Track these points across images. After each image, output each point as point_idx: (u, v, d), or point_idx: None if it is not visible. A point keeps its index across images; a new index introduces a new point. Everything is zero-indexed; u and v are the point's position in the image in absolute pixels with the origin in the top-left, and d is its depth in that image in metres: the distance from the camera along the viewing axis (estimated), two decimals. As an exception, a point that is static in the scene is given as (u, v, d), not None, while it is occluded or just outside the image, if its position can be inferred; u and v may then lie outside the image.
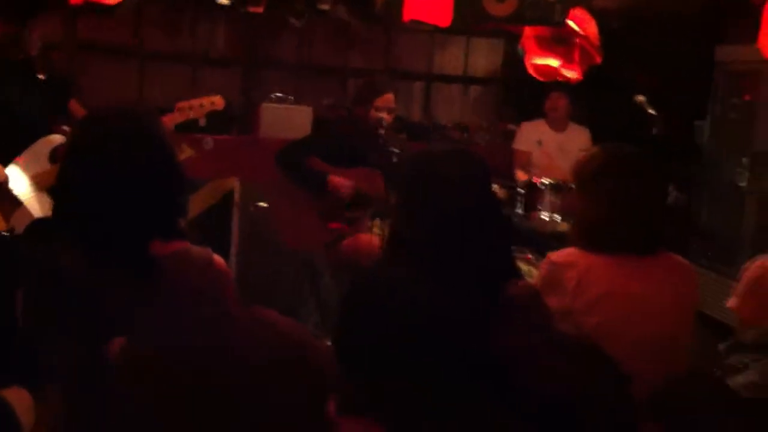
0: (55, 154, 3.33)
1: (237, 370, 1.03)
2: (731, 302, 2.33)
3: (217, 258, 1.91)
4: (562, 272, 2.33)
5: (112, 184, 1.76)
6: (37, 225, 3.27)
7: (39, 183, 3.28)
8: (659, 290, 2.31)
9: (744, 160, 5.18)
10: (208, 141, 4.89)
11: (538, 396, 1.30)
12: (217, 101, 3.68)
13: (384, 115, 4.07)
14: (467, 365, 1.46)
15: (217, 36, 5.92)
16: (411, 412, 1.87)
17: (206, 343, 1.07)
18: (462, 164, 2.01)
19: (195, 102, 3.61)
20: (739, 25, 4.89)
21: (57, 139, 3.34)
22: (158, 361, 1.06)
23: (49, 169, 3.27)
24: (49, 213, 3.18)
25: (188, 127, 3.82)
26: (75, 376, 1.71)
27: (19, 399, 1.75)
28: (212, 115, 5.25)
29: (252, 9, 5.43)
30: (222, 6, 5.23)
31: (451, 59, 6.62)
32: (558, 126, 5.48)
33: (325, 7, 5.53)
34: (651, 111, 3.93)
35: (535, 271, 2.93)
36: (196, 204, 4.63)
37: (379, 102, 4.10)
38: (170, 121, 3.44)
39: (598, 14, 5.54)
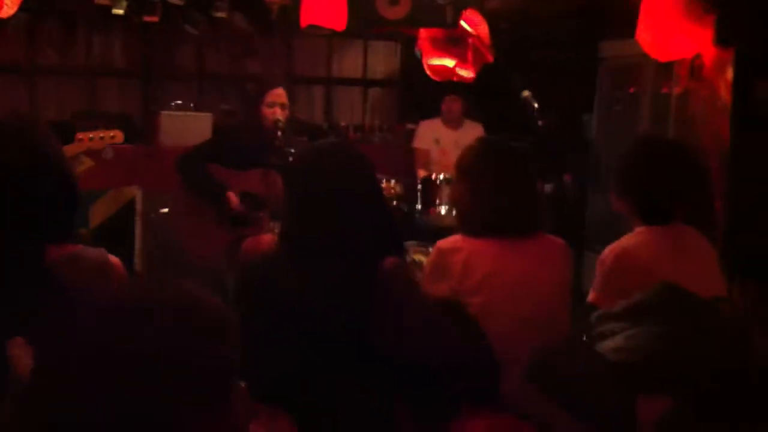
0: None
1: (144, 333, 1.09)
2: (591, 297, 2.49)
3: (113, 258, 1.96)
4: (449, 257, 2.47)
5: (6, 190, 1.80)
6: None
7: None
8: (538, 269, 2.47)
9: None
10: (108, 151, 4.85)
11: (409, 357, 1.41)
12: (117, 135, 3.71)
13: (277, 111, 4.08)
14: (348, 342, 1.56)
15: (114, 48, 5.87)
16: (308, 397, 1.98)
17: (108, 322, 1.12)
18: (338, 155, 2.14)
19: (95, 133, 3.62)
20: (618, 22, 5.15)
21: None
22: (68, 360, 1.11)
23: None
24: None
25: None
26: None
27: None
28: (113, 126, 5.26)
29: (147, 18, 5.42)
30: (117, 16, 5.21)
31: (349, 63, 6.75)
32: (453, 124, 5.69)
33: (222, 14, 5.55)
34: (535, 105, 4.13)
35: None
36: (98, 213, 4.61)
37: (269, 97, 4.12)
38: (69, 151, 3.42)
39: (488, 15, 5.75)
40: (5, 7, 4.27)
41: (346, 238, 2.07)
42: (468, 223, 2.51)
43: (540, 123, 4.13)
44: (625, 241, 2.52)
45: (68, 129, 4.08)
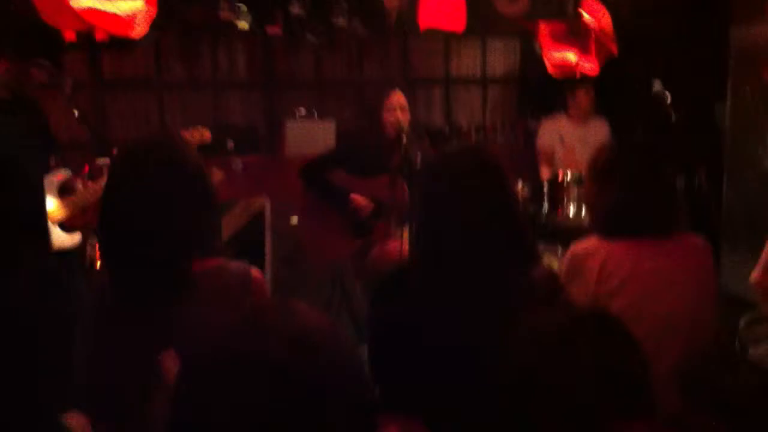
0: (63, 189, 3.39)
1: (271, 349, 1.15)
2: (753, 276, 2.38)
3: (255, 270, 2.00)
4: (584, 261, 2.41)
5: (152, 209, 1.87)
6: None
7: (51, 218, 3.35)
8: (678, 269, 2.37)
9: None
10: (237, 163, 5.03)
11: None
12: (206, 134, 3.81)
13: (398, 114, 4.10)
14: (486, 353, 1.53)
15: (237, 60, 6.04)
16: (442, 406, 1.96)
17: (242, 334, 1.19)
18: (472, 159, 2.10)
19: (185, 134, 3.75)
20: (748, 3, 4.89)
21: (61, 174, 3.38)
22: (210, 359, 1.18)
23: (59, 204, 3.32)
24: (62, 246, 3.29)
25: (217, 150, 3.93)
26: (133, 393, 1.82)
27: (78, 424, 1.86)
28: (239, 137, 5.42)
29: (271, 31, 5.57)
30: (241, 30, 5.37)
31: (467, 62, 6.69)
32: (579, 120, 5.51)
33: (342, 23, 5.64)
34: (668, 98, 3.96)
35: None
36: (229, 225, 4.75)
37: (389, 102, 4.15)
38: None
39: (610, 4, 5.58)
40: (137, 27, 4.47)
41: (480, 244, 2.03)
42: (604, 224, 2.44)
43: (673, 117, 3.97)
44: None
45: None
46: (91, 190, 3.39)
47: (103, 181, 3.45)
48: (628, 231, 2.39)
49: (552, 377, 1.39)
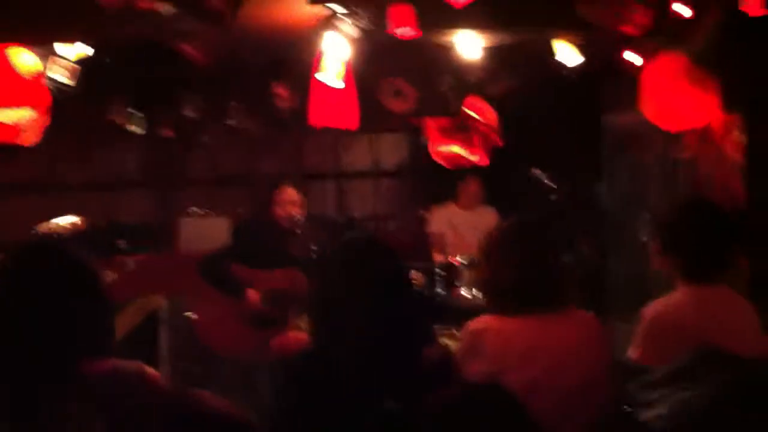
0: None
1: None
2: (631, 353, 2.50)
3: (150, 369, 1.97)
4: (481, 338, 2.47)
5: (40, 309, 1.83)
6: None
7: None
8: (572, 342, 2.46)
9: (644, 215, 5.49)
10: (128, 262, 4.92)
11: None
12: (78, 223, 3.80)
13: (291, 209, 4.16)
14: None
15: (129, 160, 6.00)
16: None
17: None
18: (367, 246, 2.17)
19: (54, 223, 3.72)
20: (621, 92, 5.24)
21: None
22: None
23: None
24: None
25: (110, 250, 3.87)
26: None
27: None
28: (132, 237, 5.33)
29: (165, 133, 5.58)
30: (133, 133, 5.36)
31: (359, 156, 6.86)
32: (468, 207, 5.75)
33: (235, 123, 5.71)
34: (546, 181, 4.18)
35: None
36: (122, 324, 4.62)
37: (281, 197, 4.21)
38: None
39: (491, 100, 5.87)
40: (26, 135, 4.41)
41: (377, 327, 2.08)
42: (498, 302, 2.52)
43: (553, 198, 4.18)
44: (667, 299, 2.54)
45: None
46: None
47: None
48: (522, 307, 2.47)
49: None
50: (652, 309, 2.52)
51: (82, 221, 3.79)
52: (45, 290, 1.85)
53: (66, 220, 3.77)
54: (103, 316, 1.97)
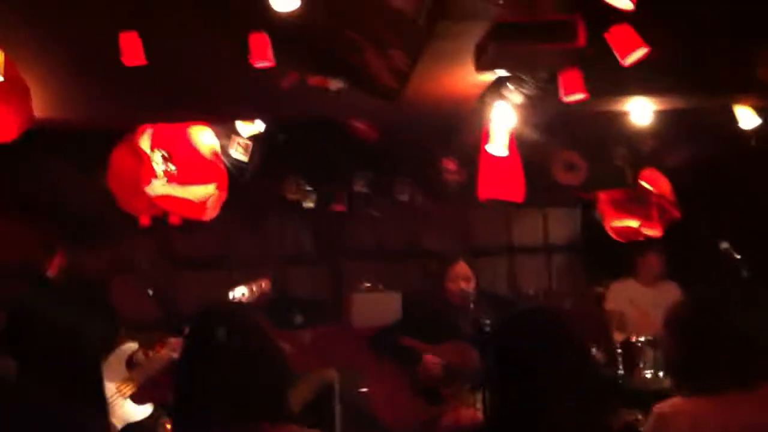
0: (130, 362, 3.46)
1: None
2: None
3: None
4: (671, 422, 2.31)
5: (228, 374, 1.89)
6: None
7: (122, 391, 3.39)
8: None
9: None
10: (305, 335, 5.05)
11: None
12: (265, 284, 3.92)
13: (462, 284, 4.14)
14: None
15: (302, 234, 6.17)
16: None
17: None
18: (547, 319, 2.08)
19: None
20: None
21: (128, 349, 3.47)
22: None
23: (126, 376, 3.39)
24: (130, 419, 3.31)
25: (286, 324, 3.99)
26: None
27: None
28: (304, 310, 5.47)
29: (335, 208, 5.75)
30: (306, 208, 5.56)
31: (528, 230, 6.75)
32: (649, 283, 5.47)
33: (404, 198, 5.81)
34: (736, 256, 3.92)
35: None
36: (298, 398, 4.71)
37: (453, 271, 4.19)
38: None
39: (668, 171, 5.65)
40: (209, 211, 4.66)
41: (559, 407, 1.97)
42: (689, 382, 2.35)
43: (744, 274, 3.91)
44: None
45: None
46: (155, 358, 3.45)
47: (165, 350, 3.54)
48: (712, 387, 2.29)
49: None
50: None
51: (266, 286, 3.95)
52: (234, 350, 1.92)
53: (254, 285, 3.93)
54: (285, 382, 2.01)
